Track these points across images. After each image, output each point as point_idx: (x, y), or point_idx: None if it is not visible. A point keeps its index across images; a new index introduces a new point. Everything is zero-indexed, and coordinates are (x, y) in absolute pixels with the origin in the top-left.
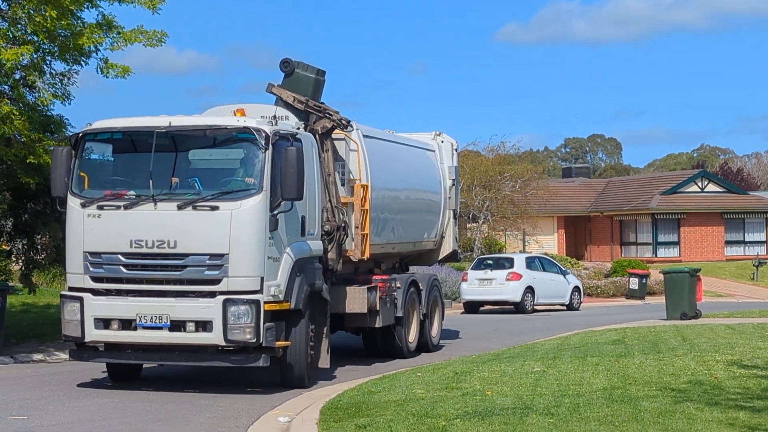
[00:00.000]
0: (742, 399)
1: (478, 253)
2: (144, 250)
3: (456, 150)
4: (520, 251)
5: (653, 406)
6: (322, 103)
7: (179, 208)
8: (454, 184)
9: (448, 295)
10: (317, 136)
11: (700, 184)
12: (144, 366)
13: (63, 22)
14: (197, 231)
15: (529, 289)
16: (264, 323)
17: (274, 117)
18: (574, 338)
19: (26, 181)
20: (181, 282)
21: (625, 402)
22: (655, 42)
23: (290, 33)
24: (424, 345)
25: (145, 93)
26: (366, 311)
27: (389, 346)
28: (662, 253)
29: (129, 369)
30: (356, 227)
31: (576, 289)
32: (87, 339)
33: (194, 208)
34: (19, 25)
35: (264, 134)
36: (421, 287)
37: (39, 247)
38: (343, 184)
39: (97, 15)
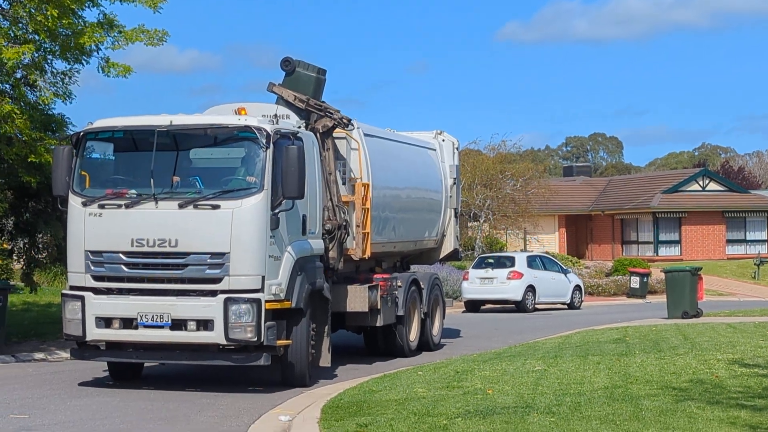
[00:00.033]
0: (744, 398)
1: (479, 251)
2: (145, 249)
3: (457, 149)
4: (521, 250)
5: (654, 404)
6: (323, 101)
7: (180, 207)
8: (455, 183)
9: (449, 293)
10: (318, 135)
11: (701, 182)
12: (145, 365)
13: (64, 21)
14: (198, 230)
15: (531, 288)
16: (265, 322)
17: (275, 116)
18: (575, 337)
19: (27, 180)
20: (182, 281)
21: (627, 401)
22: (656, 41)
23: (291, 32)
24: (425, 344)
25: (146, 92)
26: (367, 310)
27: (390, 345)
28: (663, 251)
29: (130, 368)
30: (357, 226)
31: (577, 287)
32: (88, 338)
33: (195, 207)
34: (20, 24)
35: (265, 133)
36: (422, 286)
37: (40, 246)
38: (344, 183)
39: (99, 14)
